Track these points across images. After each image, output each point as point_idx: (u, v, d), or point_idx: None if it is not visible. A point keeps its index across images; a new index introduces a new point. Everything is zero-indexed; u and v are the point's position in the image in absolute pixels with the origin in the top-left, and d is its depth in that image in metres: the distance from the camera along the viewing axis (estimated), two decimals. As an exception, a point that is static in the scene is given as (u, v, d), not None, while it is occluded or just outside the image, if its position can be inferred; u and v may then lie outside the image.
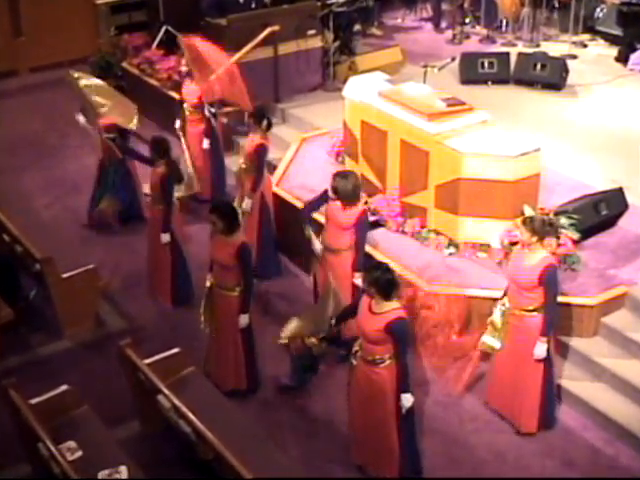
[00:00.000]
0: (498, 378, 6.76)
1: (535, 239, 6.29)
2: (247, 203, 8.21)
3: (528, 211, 7.40)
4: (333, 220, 7.23)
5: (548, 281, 6.29)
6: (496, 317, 6.58)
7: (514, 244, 7.07)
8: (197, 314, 7.18)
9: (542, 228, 6.33)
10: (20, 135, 11.27)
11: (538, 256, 6.31)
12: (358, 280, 7.17)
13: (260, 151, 8.21)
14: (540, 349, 6.40)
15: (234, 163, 9.76)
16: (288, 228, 8.64)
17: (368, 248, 7.73)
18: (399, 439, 6.13)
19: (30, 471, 6.22)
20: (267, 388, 7.21)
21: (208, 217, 6.79)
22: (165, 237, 7.96)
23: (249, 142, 8.36)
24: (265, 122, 8.29)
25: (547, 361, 6.53)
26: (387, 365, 5.91)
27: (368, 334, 5.89)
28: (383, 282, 5.79)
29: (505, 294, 6.60)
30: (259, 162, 8.25)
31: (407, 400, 5.97)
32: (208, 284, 6.96)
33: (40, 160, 10.74)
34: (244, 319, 6.85)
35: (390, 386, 5.96)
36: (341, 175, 7.23)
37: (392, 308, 5.83)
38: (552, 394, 6.72)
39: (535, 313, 6.37)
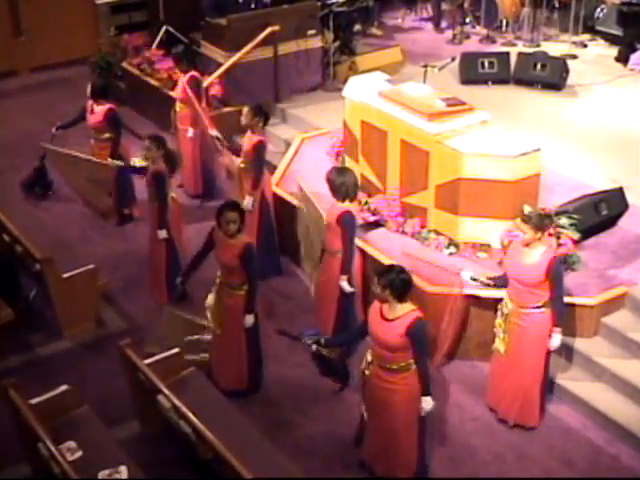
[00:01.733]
0: (501, 377, 6.72)
1: (539, 235, 6.31)
2: (248, 201, 8.17)
3: (528, 211, 7.39)
4: (326, 219, 7.28)
5: (556, 274, 6.33)
6: (499, 322, 6.61)
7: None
8: (197, 314, 7.18)
9: (542, 222, 6.36)
10: (20, 135, 11.27)
11: (539, 251, 6.33)
12: (344, 283, 7.16)
13: (259, 148, 8.18)
14: (557, 340, 6.45)
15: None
16: (288, 228, 8.64)
17: (369, 248, 7.75)
18: (418, 444, 6.13)
19: (30, 471, 6.21)
20: (267, 388, 7.20)
21: (226, 215, 6.64)
22: (162, 233, 7.96)
23: (247, 140, 8.34)
24: (263, 119, 8.29)
25: (548, 354, 6.61)
26: (412, 372, 5.83)
27: (387, 343, 5.74)
28: (399, 283, 5.67)
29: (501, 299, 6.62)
30: (259, 159, 8.23)
31: (428, 403, 5.91)
32: (218, 280, 6.94)
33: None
34: (249, 319, 6.82)
35: (414, 391, 5.89)
36: (338, 169, 7.41)
37: (408, 311, 5.72)
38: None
39: (543, 309, 6.39)
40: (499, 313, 6.61)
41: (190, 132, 9.58)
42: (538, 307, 6.39)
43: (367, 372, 6.03)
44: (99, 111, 9.28)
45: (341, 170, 7.39)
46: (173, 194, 8.10)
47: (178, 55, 9.94)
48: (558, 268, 6.39)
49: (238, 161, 8.37)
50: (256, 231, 8.26)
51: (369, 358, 6.00)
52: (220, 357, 7.04)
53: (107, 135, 9.30)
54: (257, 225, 8.30)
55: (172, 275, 8.11)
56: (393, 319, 5.72)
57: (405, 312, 5.72)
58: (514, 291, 6.46)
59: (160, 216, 7.96)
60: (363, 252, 7.67)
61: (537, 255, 6.32)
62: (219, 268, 6.92)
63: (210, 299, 6.98)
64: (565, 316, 6.61)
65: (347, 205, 7.15)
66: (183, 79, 9.67)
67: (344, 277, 7.16)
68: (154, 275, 8.26)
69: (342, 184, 7.11)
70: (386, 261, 7.48)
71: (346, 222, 7.10)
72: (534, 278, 6.30)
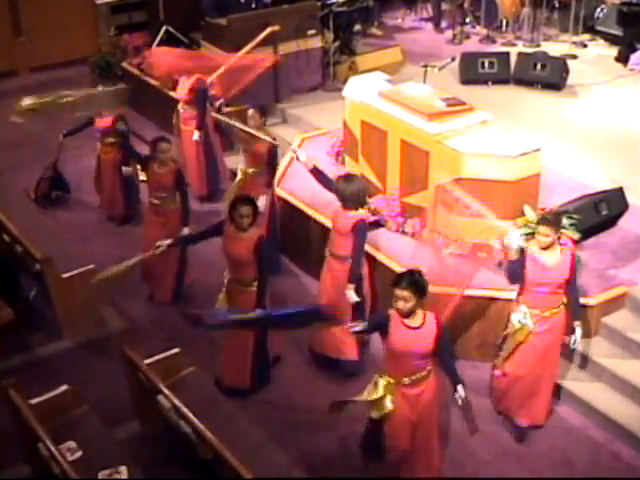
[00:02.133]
0: (514, 378, 6.63)
1: (558, 234, 6.34)
2: (261, 201, 8.03)
3: (528, 211, 7.40)
4: (335, 224, 7.22)
5: (574, 269, 6.38)
6: (514, 327, 6.53)
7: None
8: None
9: (559, 221, 6.42)
10: (20, 135, 11.26)
11: (556, 251, 6.33)
12: (351, 292, 7.06)
13: (273, 150, 8.22)
14: (579, 334, 6.47)
15: (232, 162, 9.81)
16: (288, 228, 8.64)
17: (369, 249, 7.74)
18: (439, 441, 6.17)
19: (30, 471, 6.22)
20: (268, 388, 7.21)
21: (239, 210, 6.64)
22: (186, 230, 7.95)
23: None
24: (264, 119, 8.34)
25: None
26: (434, 374, 5.83)
27: (423, 350, 5.69)
28: (422, 282, 5.64)
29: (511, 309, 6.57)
30: (273, 160, 8.29)
31: (462, 390, 5.87)
32: (226, 280, 6.94)
33: (40, 160, 10.71)
34: None
35: (438, 391, 5.90)
36: (345, 177, 7.26)
37: (425, 314, 5.67)
38: None
39: (562, 307, 6.42)
40: (516, 324, 6.45)
41: (196, 135, 9.57)
42: (558, 306, 6.40)
43: (391, 406, 5.83)
44: (107, 116, 9.31)
45: (348, 179, 7.19)
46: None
47: None
48: (575, 265, 6.44)
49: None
50: (265, 230, 8.18)
51: (383, 391, 5.83)
52: (226, 353, 7.04)
53: (113, 139, 9.30)
54: (266, 224, 8.25)
55: (180, 276, 8.14)
56: (419, 326, 5.67)
57: (424, 316, 5.68)
58: (534, 296, 6.36)
59: (183, 215, 8.02)
60: (372, 257, 7.62)
61: (557, 255, 6.31)
62: (227, 266, 6.92)
63: (222, 297, 6.98)
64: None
65: (360, 213, 7.09)
66: (187, 81, 9.66)
67: (351, 286, 7.06)
68: (160, 274, 8.24)
69: (352, 193, 7.01)
70: (393, 265, 7.51)
71: (360, 230, 7.02)
72: (559, 278, 6.29)
